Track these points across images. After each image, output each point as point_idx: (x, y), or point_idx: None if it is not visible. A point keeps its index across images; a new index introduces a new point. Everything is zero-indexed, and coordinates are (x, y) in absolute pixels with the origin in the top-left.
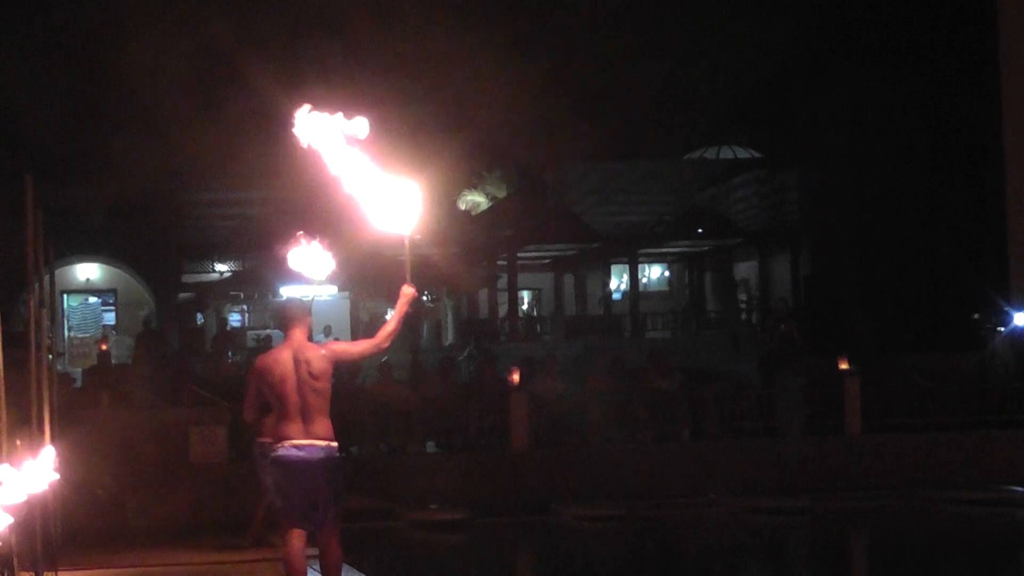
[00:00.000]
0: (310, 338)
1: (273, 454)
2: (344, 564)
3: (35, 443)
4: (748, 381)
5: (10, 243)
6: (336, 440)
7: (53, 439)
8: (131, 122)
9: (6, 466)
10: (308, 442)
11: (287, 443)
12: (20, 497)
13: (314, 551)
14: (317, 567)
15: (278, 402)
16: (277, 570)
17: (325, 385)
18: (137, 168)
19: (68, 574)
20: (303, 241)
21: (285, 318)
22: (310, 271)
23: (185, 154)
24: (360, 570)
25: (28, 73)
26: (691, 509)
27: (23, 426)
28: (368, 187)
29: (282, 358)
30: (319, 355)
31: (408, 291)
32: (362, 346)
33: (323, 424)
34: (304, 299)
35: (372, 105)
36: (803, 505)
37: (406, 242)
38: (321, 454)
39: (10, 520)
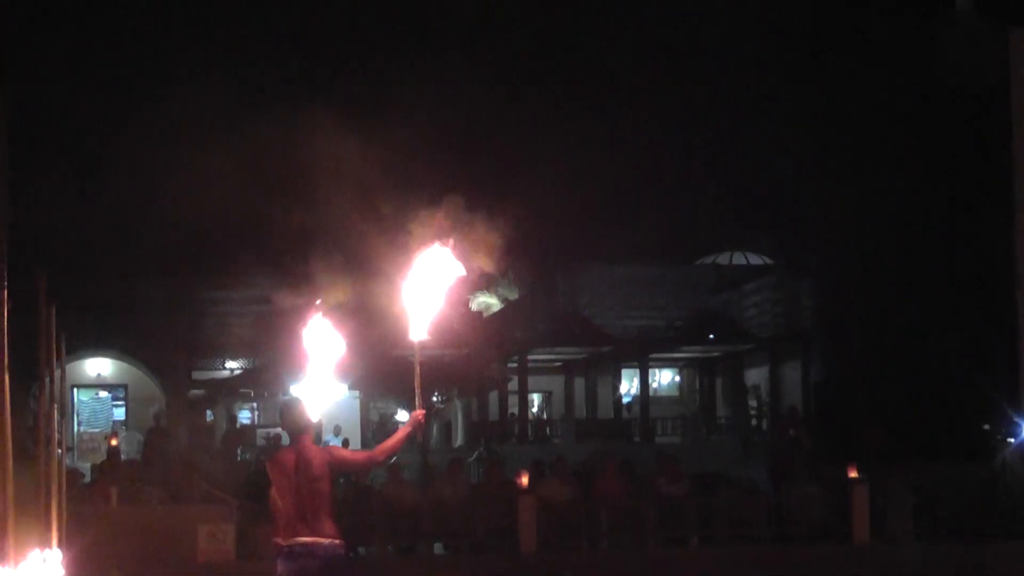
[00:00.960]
0: (319, 439)
1: (281, 551)
2: None
3: (44, 540)
4: (758, 487)
5: (22, 337)
6: (340, 539)
7: (61, 535)
8: (143, 218)
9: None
10: (313, 540)
11: (294, 541)
12: None
13: None
14: None
15: (285, 503)
16: None
17: (326, 486)
18: (149, 265)
19: None
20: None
21: (290, 429)
22: (319, 360)
23: (198, 251)
24: None
25: (40, 170)
26: None
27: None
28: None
29: (287, 461)
30: (319, 459)
31: (417, 416)
32: (359, 459)
33: (327, 523)
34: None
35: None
36: None
37: (417, 351)
38: (325, 552)
39: None
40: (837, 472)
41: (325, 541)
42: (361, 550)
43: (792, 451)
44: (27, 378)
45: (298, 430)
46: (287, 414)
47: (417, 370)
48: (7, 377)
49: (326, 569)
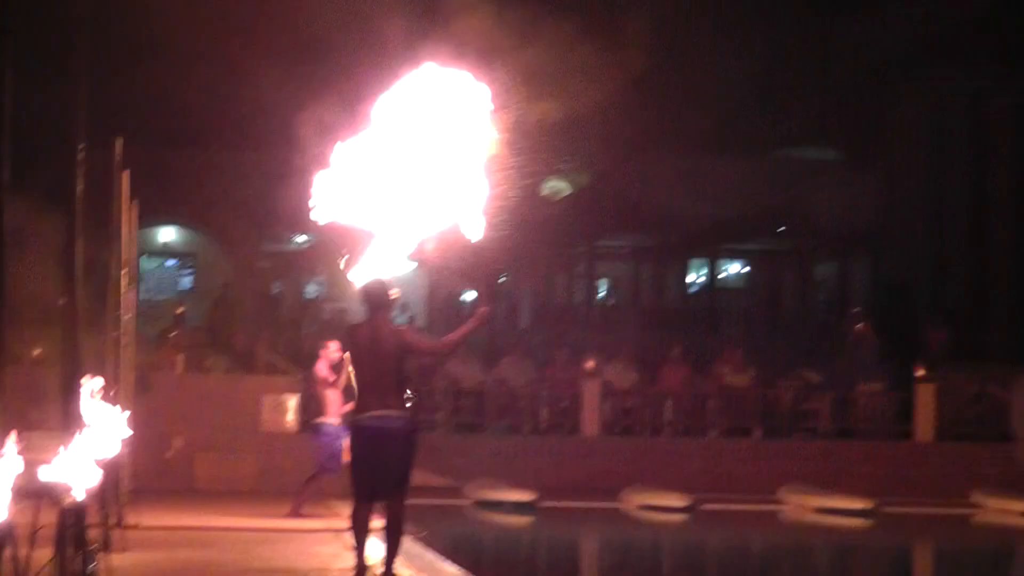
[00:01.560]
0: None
1: (352, 423)
2: (413, 540)
3: (113, 402)
4: (823, 382)
5: (96, 203)
6: (410, 414)
7: (128, 399)
8: (219, 88)
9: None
10: (384, 412)
11: (366, 414)
12: (106, 453)
13: (378, 523)
14: (380, 539)
15: (358, 376)
16: (341, 539)
17: (398, 363)
18: (221, 135)
19: (134, 532)
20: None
21: (368, 304)
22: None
23: (276, 122)
24: (428, 546)
25: (120, 37)
26: (758, 505)
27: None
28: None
29: (362, 337)
30: (393, 338)
31: (483, 312)
32: (427, 347)
33: (398, 398)
34: (386, 281)
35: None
36: (871, 508)
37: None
38: (397, 424)
39: (99, 475)
40: (902, 370)
41: (395, 414)
42: (423, 427)
43: (858, 348)
44: (100, 243)
45: (376, 306)
46: (368, 289)
47: (478, 277)
48: (81, 242)
49: (395, 442)
